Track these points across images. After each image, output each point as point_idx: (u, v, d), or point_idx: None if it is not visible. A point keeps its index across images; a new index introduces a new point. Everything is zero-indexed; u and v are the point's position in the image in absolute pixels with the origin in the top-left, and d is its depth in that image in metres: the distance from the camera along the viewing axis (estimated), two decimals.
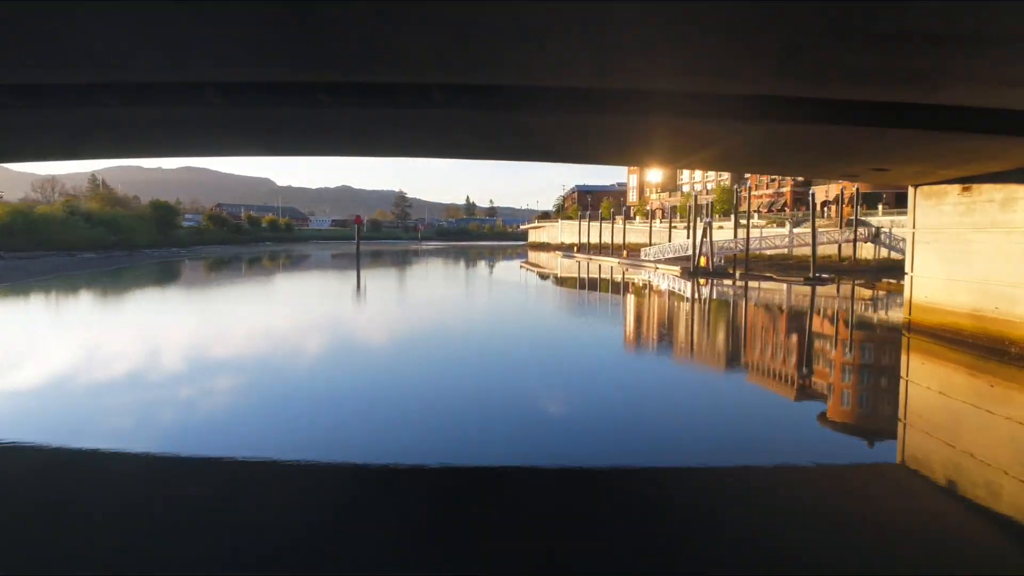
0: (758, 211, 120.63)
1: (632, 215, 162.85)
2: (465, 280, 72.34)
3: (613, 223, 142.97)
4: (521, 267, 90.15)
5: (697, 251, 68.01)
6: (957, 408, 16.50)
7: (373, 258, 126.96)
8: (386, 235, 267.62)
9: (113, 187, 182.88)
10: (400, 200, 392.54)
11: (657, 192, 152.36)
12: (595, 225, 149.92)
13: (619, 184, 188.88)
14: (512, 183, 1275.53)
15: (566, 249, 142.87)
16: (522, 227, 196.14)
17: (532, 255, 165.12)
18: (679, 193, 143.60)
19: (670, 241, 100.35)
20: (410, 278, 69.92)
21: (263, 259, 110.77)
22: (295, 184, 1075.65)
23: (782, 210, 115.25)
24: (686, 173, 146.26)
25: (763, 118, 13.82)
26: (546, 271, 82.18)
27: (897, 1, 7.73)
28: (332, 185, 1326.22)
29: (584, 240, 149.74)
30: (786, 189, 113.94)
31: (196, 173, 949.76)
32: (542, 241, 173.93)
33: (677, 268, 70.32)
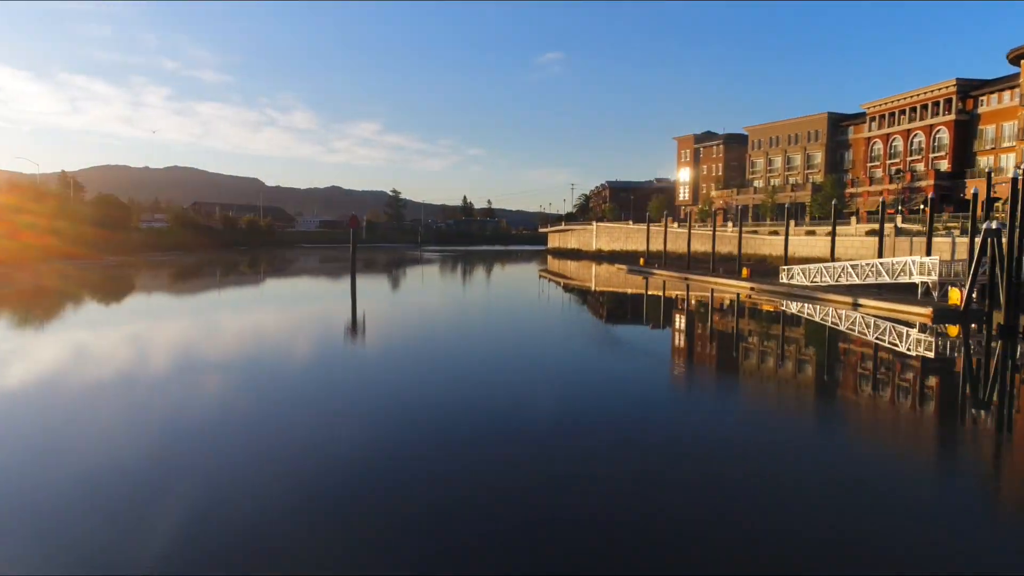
0: (879, 211, 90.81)
1: (685, 217, 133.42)
2: (542, 324, 42.55)
3: (666, 227, 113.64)
4: (627, 290, 60.38)
5: (973, 276, 37.86)
6: None
7: (368, 268, 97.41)
8: (382, 238, 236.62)
9: (82, 186, 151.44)
10: (394, 201, 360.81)
11: (718, 188, 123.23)
12: (644, 229, 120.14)
13: (658, 180, 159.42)
14: (510, 184, 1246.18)
15: (617, 259, 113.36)
16: (541, 230, 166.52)
17: (558, 264, 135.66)
18: (750, 189, 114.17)
19: (787, 253, 70.86)
20: (431, 310, 50.66)
21: (221, 271, 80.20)
22: (284, 184, 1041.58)
23: (916, 211, 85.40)
24: (760, 163, 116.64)
25: None
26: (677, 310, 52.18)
27: None
28: (322, 185, 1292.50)
29: (631, 247, 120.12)
30: (925, 183, 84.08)
31: (184, 173, 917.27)
32: (571, 247, 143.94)
33: (914, 307, 40.33)
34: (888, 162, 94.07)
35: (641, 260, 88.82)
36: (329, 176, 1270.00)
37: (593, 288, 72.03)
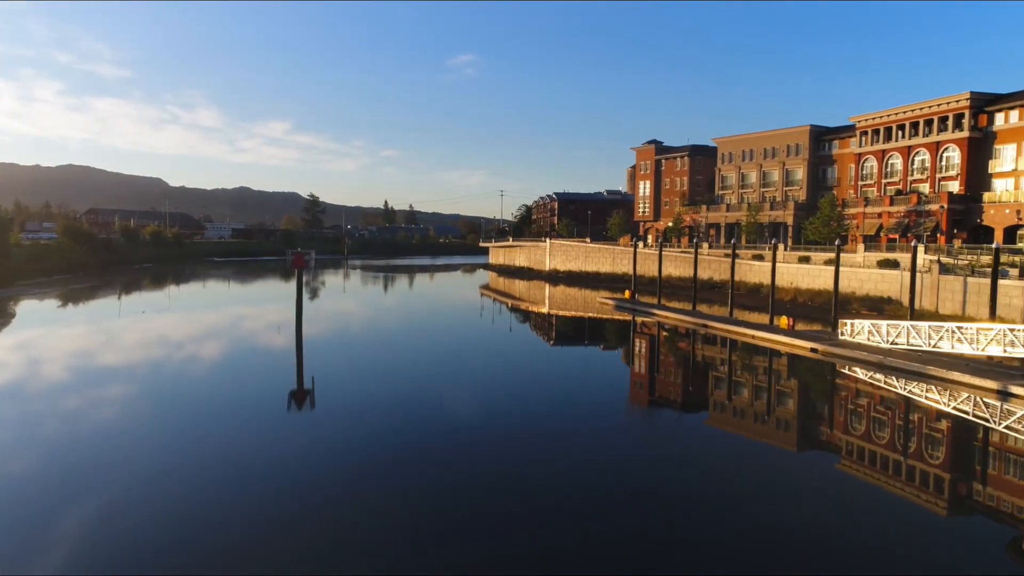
0: (876, 236, 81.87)
1: (644, 234, 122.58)
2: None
3: (636, 247, 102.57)
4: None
5: None
6: None
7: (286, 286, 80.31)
8: (304, 247, 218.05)
9: None
10: (311, 206, 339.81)
11: (683, 203, 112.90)
12: (605, 248, 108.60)
13: (609, 192, 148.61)
14: (426, 185, 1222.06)
15: (577, 281, 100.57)
16: (482, 243, 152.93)
17: (503, 282, 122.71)
18: (722, 206, 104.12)
19: (770, 281, 60.41)
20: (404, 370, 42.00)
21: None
22: (189, 185, 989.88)
23: (931, 237, 76.64)
24: (731, 177, 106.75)
25: None
26: None
27: None
28: (230, 186, 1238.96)
29: (591, 268, 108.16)
30: (935, 206, 75.25)
31: (78, 172, 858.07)
32: (519, 265, 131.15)
33: None
34: (884, 181, 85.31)
35: (627, 292, 76.44)
36: (237, 177, 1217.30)
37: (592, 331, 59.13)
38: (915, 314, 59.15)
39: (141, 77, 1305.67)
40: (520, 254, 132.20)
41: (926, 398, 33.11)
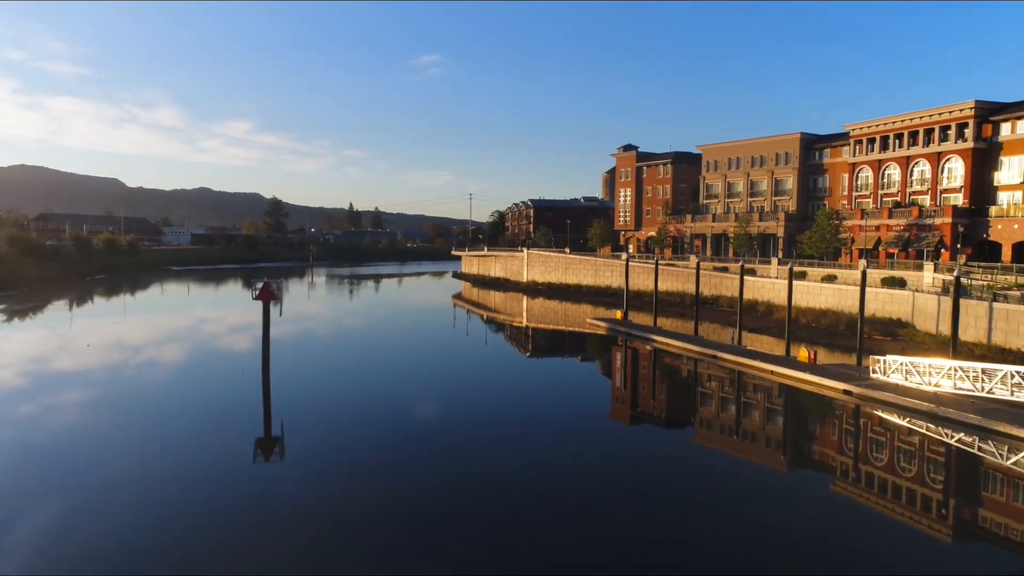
0: (875, 250, 78.08)
1: (625, 243, 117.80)
2: None
3: (628, 262, 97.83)
4: None
5: None
6: None
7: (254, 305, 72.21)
8: (265, 255, 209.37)
9: None
10: (274, 209, 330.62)
11: (666, 212, 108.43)
12: (586, 260, 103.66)
13: (586, 199, 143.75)
14: (391, 186, 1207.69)
15: (557, 293, 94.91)
16: (455, 252, 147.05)
17: (478, 294, 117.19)
18: (708, 216, 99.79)
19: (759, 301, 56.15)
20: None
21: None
22: (147, 185, 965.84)
23: (934, 253, 73.05)
24: (717, 186, 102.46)
25: None
26: None
27: None
28: (189, 187, 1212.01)
29: (571, 280, 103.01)
30: (938, 220, 71.54)
31: (31, 172, 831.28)
32: (494, 275, 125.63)
33: None
34: (880, 192, 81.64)
35: (618, 312, 71.27)
36: (197, 177, 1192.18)
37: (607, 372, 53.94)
38: (931, 341, 55.32)
39: (99, 75, 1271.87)
40: (496, 264, 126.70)
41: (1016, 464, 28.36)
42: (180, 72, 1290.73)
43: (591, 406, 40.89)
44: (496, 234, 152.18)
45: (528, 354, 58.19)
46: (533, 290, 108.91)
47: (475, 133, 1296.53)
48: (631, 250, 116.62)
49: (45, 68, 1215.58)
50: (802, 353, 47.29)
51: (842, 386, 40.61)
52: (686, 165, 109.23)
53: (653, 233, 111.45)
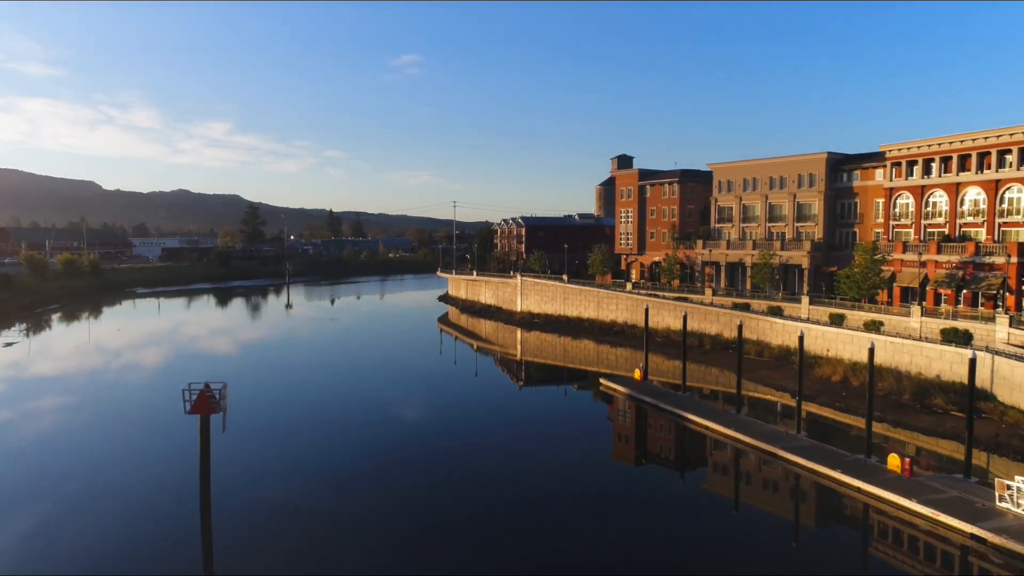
0: (921, 290, 68.40)
1: (627, 267, 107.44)
2: None
3: (637, 287, 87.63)
4: None
5: None
6: None
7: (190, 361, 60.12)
8: (239, 271, 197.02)
9: None
10: (251, 216, 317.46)
11: (672, 236, 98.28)
12: (587, 291, 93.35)
13: (581, 216, 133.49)
14: (371, 187, 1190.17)
15: (553, 327, 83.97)
16: (440, 274, 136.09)
17: (466, 320, 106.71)
18: (722, 242, 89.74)
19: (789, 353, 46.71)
20: None
21: None
22: (124, 188, 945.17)
23: (997, 296, 63.51)
24: (731, 209, 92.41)
25: None
26: None
27: None
28: (167, 188, 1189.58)
29: (571, 312, 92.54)
30: (999, 259, 61.92)
31: (5, 176, 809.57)
32: (484, 302, 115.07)
33: None
34: (924, 223, 72.01)
35: (637, 371, 60.91)
36: (175, 179, 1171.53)
37: None
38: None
39: (73, 76, 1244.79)
40: (486, 289, 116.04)
41: None
42: (156, 73, 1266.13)
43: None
44: (484, 252, 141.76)
45: (525, 440, 47.57)
46: (528, 322, 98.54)
47: (457, 133, 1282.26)
48: (633, 276, 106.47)
49: (17, 69, 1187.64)
50: (892, 461, 37.17)
51: (967, 527, 30.44)
52: (695, 184, 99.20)
53: (659, 258, 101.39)
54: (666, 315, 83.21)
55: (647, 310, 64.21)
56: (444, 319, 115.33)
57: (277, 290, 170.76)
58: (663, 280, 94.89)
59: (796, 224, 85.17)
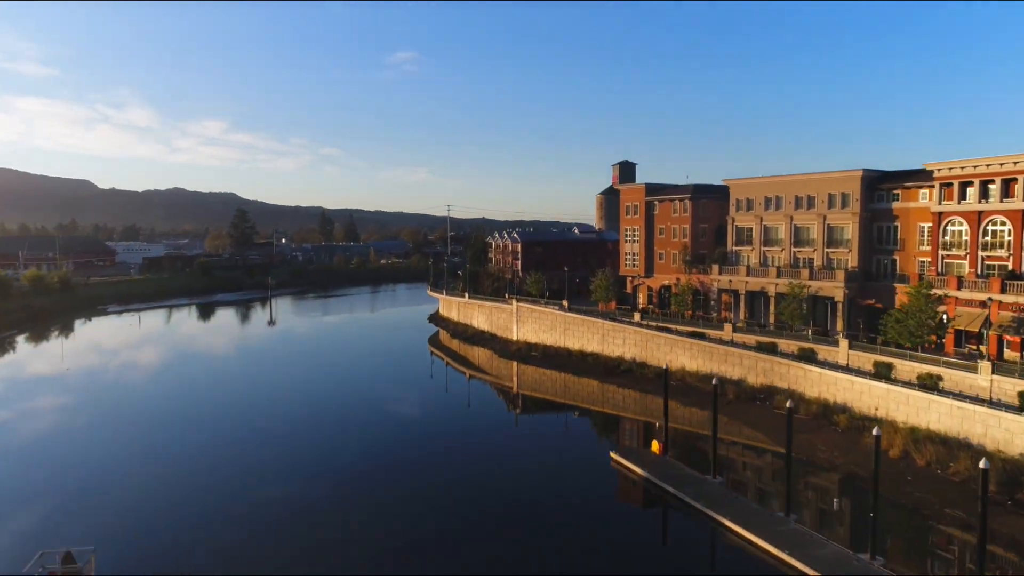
0: (981, 334, 58.31)
1: (633, 291, 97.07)
2: None
3: (645, 316, 77.56)
4: None
5: None
6: None
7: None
8: (222, 283, 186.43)
9: None
10: (240, 220, 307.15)
11: (683, 258, 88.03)
12: (590, 322, 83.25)
13: (581, 229, 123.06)
14: (374, 185, 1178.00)
15: (552, 360, 73.50)
16: (431, 292, 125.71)
17: (458, 346, 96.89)
18: (741, 268, 79.60)
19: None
20: None
21: None
22: (120, 186, 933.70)
23: None
24: (750, 231, 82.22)
25: None
26: None
27: None
28: (163, 187, 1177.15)
29: (572, 344, 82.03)
30: None
31: (2, 176, 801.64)
32: (477, 327, 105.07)
33: None
34: (982, 254, 61.92)
35: (655, 443, 50.79)
36: (171, 177, 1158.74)
37: None
38: None
39: (68, 76, 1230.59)
40: (479, 314, 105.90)
41: None
42: (152, 71, 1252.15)
43: None
44: (477, 267, 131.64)
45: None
46: (525, 355, 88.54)
47: (454, 131, 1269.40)
48: (640, 301, 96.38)
49: (12, 69, 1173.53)
50: None
51: None
52: (709, 201, 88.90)
53: (669, 282, 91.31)
54: (680, 353, 73.21)
55: (666, 392, 54.03)
56: (435, 341, 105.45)
57: (263, 303, 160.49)
58: (674, 308, 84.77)
59: (826, 249, 75.08)
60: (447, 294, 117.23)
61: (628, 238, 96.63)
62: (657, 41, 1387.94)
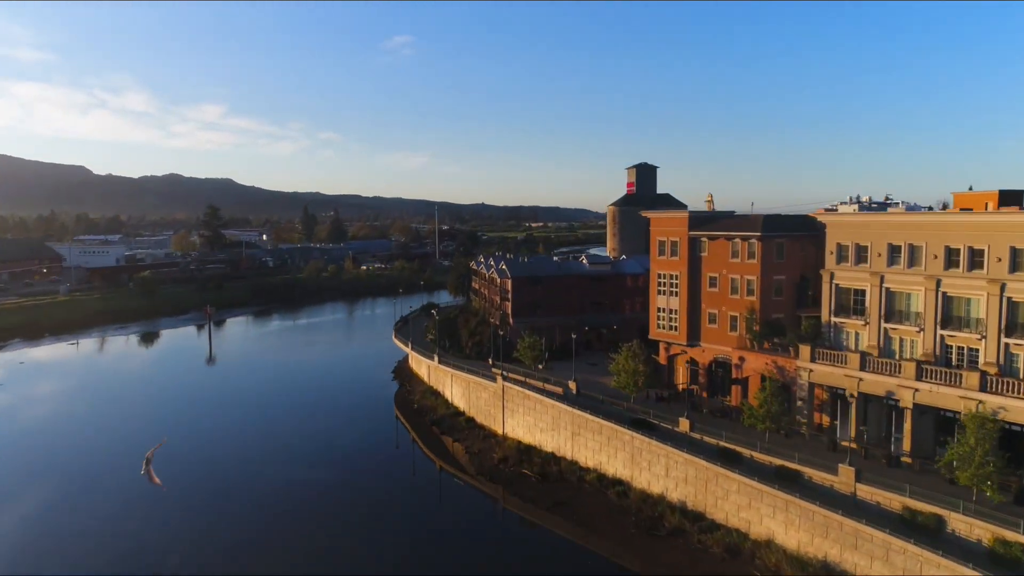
0: None
1: (670, 370, 66.49)
2: None
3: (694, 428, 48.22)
4: None
5: None
6: None
7: None
8: (167, 303, 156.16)
9: None
10: (211, 218, 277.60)
11: (749, 328, 57.82)
12: (606, 428, 54.11)
13: (591, 260, 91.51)
14: (372, 169, 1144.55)
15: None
16: (396, 340, 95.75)
17: (425, 436, 68.37)
18: (849, 357, 50.02)
19: None
20: None
21: None
22: (116, 172, 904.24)
23: None
24: (865, 294, 52.49)
25: None
26: None
27: None
28: (159, 173, 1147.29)
29: (584, 460, 53.04)
30: None
31: None
32: (455, 408, 76.10)
33: None
34: None
35: None
36: (168, 163, 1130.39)
37: None
38: None
39: (65, 61, 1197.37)
40: (454, 385, 76.43)
41: None
42: (149, 56, 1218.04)
43: None
44: (459, 292, 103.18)
45: None
46: (515, 468, 59.40)
47: (451, 115, 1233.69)
48: (680, 381, 66.55)
49: (8, 54, 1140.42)
50: None
51: None
52: (789, 241, 58.95)
53: (725, 356, 61.62)
54: (764, 511, 43.99)
55: None
56: (404, 402, 77.19)
57: (220, 324, 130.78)
58: (746, 418, 54.48)
59: (1006, 339, 45.22)
60: (413, 348, 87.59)
61: (663, 287, 66.58)
62: (666, 20, 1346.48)
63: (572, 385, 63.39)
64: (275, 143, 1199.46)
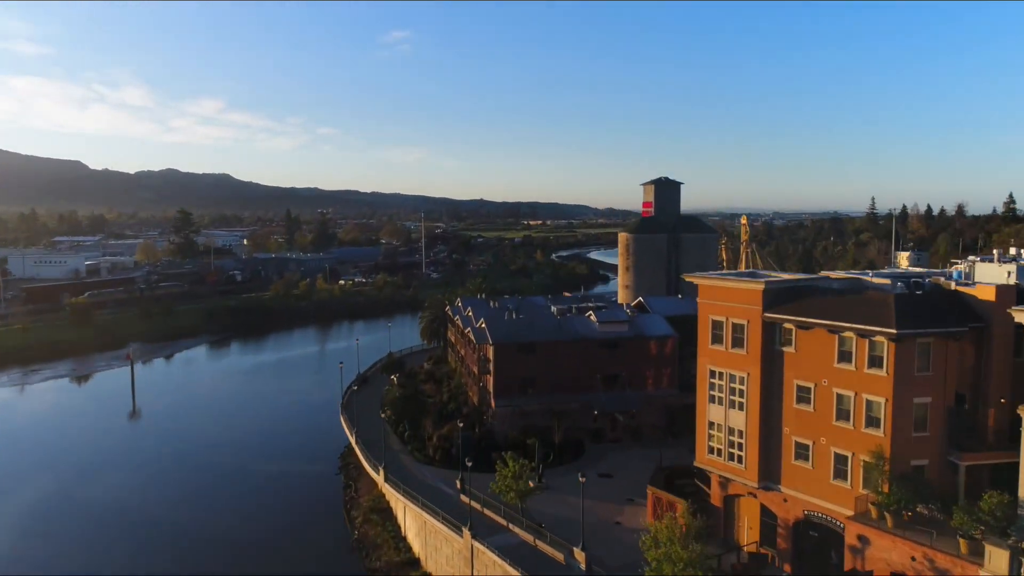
0: None
1: (727, 517, 43.17)
2: None
3: None
4: None
5: None
6: None
7: None
8: (106, 331, 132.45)
9: None
10: (183, 223, 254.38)
11: (880, 476, 34.84)
12: None
13: (600, 320, 67.31)
14: (370, 165, 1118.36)
15: None
16: (366, 465, 72.53)
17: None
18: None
19: None
20: None
21: None
22: (112, 167, 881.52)
23: None
24: None
25: None
26: None
27: None
28: (156, 168, 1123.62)
29: None
30: None
31: None
32: (408, 549, 52.11)
33: None
34: None
35: None
36: (165, 158, 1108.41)
37: None
38: None
39: (63, 55, 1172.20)
40: (408, 517, 52.59)
41: None
42: (148, 50, 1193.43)
43: None
44: (436, 358, 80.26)
45: None
46: None
47: (450, 110, 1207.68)
48: (740, 532, 42.91)
49: (6, 48, 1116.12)
50: None
51: None
52: (937, 340, 35.37)
53: (826, 514, 37.90)
54: None
55: None
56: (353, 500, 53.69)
57: (167, 360, 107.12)
58: None
59: None
60: (359, 444, 63.57)
61: (718, 392, 42.84)
62: (666, 20, 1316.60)
63: (580, 556, 39.88)
64: (273, 138, 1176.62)
